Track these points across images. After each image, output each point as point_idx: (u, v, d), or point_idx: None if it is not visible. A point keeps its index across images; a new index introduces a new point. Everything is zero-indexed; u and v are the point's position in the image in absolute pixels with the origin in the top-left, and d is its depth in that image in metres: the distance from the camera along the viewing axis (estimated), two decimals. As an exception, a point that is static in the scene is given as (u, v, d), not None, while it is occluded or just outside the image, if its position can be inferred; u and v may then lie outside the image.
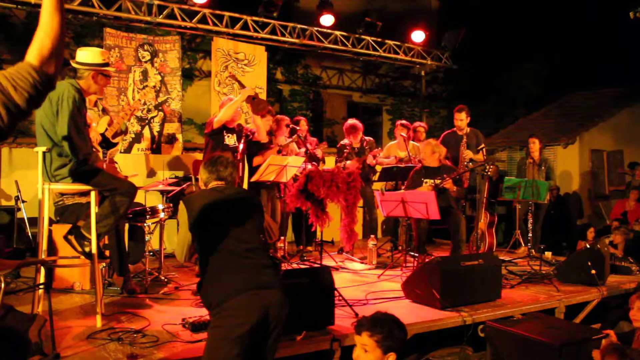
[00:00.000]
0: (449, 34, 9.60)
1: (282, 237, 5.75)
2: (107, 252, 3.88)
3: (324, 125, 11.85)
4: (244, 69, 7.97)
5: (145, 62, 7.24)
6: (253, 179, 5.46)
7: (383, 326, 2.26)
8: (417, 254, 5.53)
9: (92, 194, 3.48)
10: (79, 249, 3.46)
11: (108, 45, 6.91)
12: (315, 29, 8.47)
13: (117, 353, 2.94)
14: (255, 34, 7.95)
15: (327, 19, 8.39)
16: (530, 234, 6.28)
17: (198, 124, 9.67)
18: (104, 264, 4.08)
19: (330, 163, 7.02)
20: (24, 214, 5.98)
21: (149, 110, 7.27)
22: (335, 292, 3.64)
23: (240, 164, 5.35)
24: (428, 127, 7.92)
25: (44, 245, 3.41)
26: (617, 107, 10.96)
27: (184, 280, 4.82)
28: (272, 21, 8.03)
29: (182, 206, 2.67)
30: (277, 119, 6.15)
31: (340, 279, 4.80)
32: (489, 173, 5.86)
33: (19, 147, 6.83)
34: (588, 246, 5.11)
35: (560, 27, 13.01)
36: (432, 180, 5.56)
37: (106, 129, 4.23)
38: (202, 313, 3.42)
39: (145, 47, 7.25)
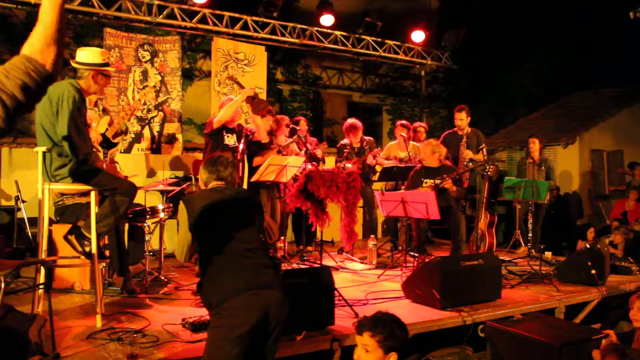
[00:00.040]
0: (449, 34, 9.60)
1: (282, 237, 5.75)
2: (107, 252, 3.88)
3: (324, 125, 11.86)
4: (244, 69, 7.97)
5: (145, 62, 7.24)
6: (253, 179, 5.46)
7: (384, 326, 2.26)
8: (417, 254, 5.53)
9: (92, 194, 3.48)
10: (79, 248, 3.46)
11: (108, 45, 6.91)
12: (315, 29, 8.47)
13: (117, 353, 2.94)
14: (255, 34, 7.95)
15: (327, 19, 8.39)
16: (530, 234, 6.28)
17: (198, 124, 9.67)
18: (104, 264, 4.08)
19: (330, 163, 7.02)
20: (24, 214, 5.98)
21: (149, 110, 7.27)
22: (335, 292, 3.64)
23: (240, 164, 5.35)
24: (428, 127, 7.92)
25: (44, 245, 3.41)
26: (617, 107, 10.96)
27: (184, 280, 4.81)
28: (272, 21, 8.03)
29: (182, 206, 2.67)
30: (277, 119, 6.15)
31: (340, 279, 4.80)
32: (489, 173, 5.86)
33: (19, 147, 6.83)
34: (588, 246, 5.11)
35: (560, 27, 13.01)
36: (432, 181, 5.56)
37: (107, 129, 4.23)
38: (202, 313, 3.42)
39: (145, 47, 7.25)
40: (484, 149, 6.64)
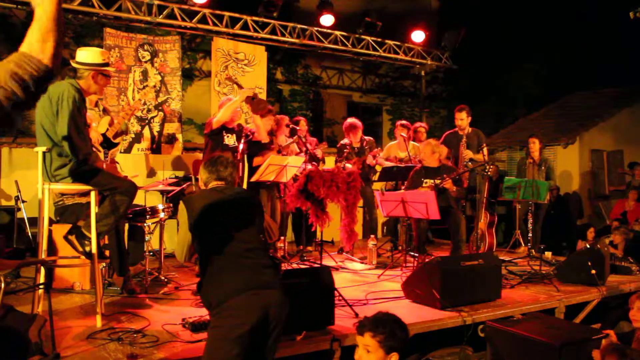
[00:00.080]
0: (449, 34, 9.60)
1: (282, 237, 5.75)
2: (107, 252, 3.88)
3: (324, 125, 11.86)
4: (244, 69, 7.97)
5: (145, 62, 7.24)
6: (253, 179, 5.46)
7: (385, 326, 2.26)
8: (417, 254, 5.53)
9: (92, 193, 3.48)
10: (80, 248, 3.46)
11: (108, 45, 6.91)
12: (315, 29, 8.47)
13: (117, 353, 2.94)
14: (255, 34, 7.95)
15: (327, 19, 8.39)
16: (530, 234, 6.27)
17: (198, 124, 9.67)
18: (104, 264, 4.08)
19: (330, 163, 7.02)
20: (24, 214, 5.98)
21: (149, 110, 7.27)
22: (335, 292, 3.64)
23: (240, 164, 5.35)
24: (428, 127, 7.92)
25: (44, 245, 3.41)
26: (617, 107, 10.96)
27: (184, 280, 4.81)
28: (272, 21, 8.03)
29: (182, 206, 2.67)
30: (277, 119, 6.15)
31: (340, 279, 4.79)
32: (489, 173, 5.86)
33: (19, 147, 6.82)
34: (588, 246, 5.11)
35: (560, 27, 13.01)
36: (432, 181, 5.56)
37: (107, 129, 4.23)
38: (202, 313, 3.41)
39: (145, 47, 7.25)
40: (485, 149, 6.64)
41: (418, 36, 9.28)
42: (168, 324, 3.42)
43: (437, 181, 5.50)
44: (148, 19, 7.16)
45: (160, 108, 7.34)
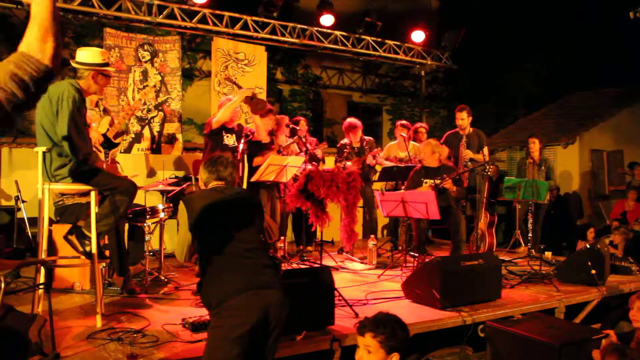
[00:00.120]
0: (449, 34, 9.60)
1: (282, 237, 5.75)
2: (107, 252, 3.88)
3: (324, 125, 11.86)
4: (244, 69, 7.97)
5: (145, 62, 7.24)
6: (253, 179, 5.46)
7: (386, 326, 2.27)
8: (417, 254, 5.53)
9: (92, 193, 3.48)
10: (80, 248, 3.46)
11: (108, 45, 6.91)
12: (315, 29, 8.47)
13: (117, 353, 2.94)
14: (255, 34, 7.95)
15: (327, 19, 8.39)
16: (530, 234, 6.27)
17: (198, 124, 9.67)
18: (104, 264, 4.08)
19: (330, 163, 7.02)
20: (24, 214, 5.98)
21: (149, 110, 7.27)
22: (335, 292, 3.64)
23: (240, 164, 5.36)
24: (428, 127, 7.92)
25: (44, 245, 3.41)
26: (617, 107, 10.96)
27: (184, 280, 4.81)
28: (272, 21, 8.03)
29: (182, 206, 2.67)
30: (277, 118, 6.15)
31: (340, 279, 4.80)
32: (489, 173, 5.86)
33: (19, 147, 6.83)
34: (588, 246, 5.11)
35: (560, 27, 13.01)
36: (432, 181, 5.56)
37: (108, 130, 4.23)
38: (202, 313, 3.41)
39: (145, 47, 7.25)
40: (486, 149, 6.64)
41: (418, 36, 9.28)
42: (168, 324, 3.42)
43: (437, 181, 5.50)
44: (148, 19, 7.16)
45: (160, 108, 7.34)
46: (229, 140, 5.56)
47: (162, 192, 6.11)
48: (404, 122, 7.11)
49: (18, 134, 6.96)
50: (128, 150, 7.07)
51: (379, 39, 9.05)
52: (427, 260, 4.74)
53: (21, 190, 6.09)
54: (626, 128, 10.83)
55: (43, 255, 3.42)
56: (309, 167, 5.68)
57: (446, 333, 3.79)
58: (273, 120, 6.03)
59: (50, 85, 3.38)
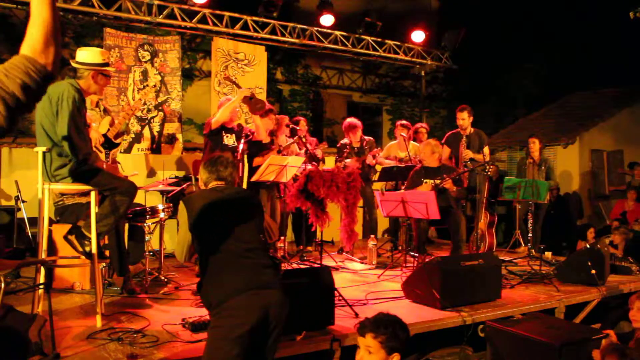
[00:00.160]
0: (449, 34, 9.60)
1: (282, 237, 5.75)
2: (107, 252, 3.88)
3: (324, 125, 11.86)
4: (244, 69, 7.97)
5: (145, 62, 7.24)
6: (253, 179, 5.47)
7: (387, 327, 2.27)
8: (417, 254, 5.53)
9: (92, 194, 3.48)
10: (80, 248, 3.46)
11: (108, 45, 6.91)
12: (315, 29, 8.47)
13: (117, 353, 2.94)
14: (255, 34, 7.95)
15: (327, 19, 8.39)
16: (530, 234, 6.27)
17: (198, 124, 9.67)
18: (104, 264, 4.08)
19: (330, 163, 7.02)
20: (24, 214, 5.98)
21: (149, 110, 7.27)
22: (335, 292, 3.64)
23: (240, 164, 5.36)
24: (429, 127, 7.92)
25: (44, 245, 3.41)
26: (617, 107, 10.96)
27: (184, 280, 4.81)
28: (272, 21, 8.03)
29: (182, 206, 2.67)
30: (277, 118, 6.16)
31: (340, 279, 4.79)
32: (489, 173, 5.86)
33: (19, 147, 6.83)
34: (588, 246, 5.11)
35: (560, 27, 13.01)
36: (431, 181, 5.57)
37: (108, 130, 4.23)
38: (202, 313, 3.41)
39: (145, 47, 7.25)
40: (487, 149, 6.63)
41: (418, 36, 9.28)
42: (168, 324, 3.42)
43: (437, 181, 5.50)
44: (148, 19, 7.16)
45: (160, 108, 7.34)
46: (229, 140, 5.56)
47: (162, 192, 6.11)
48: (404, 122, 7.11)
49: (18, 134, 6.96)
50: (128, 150, 7.07)
51: (379, 39, 9.05)
52: (427, 260, 4.74)
53: (21, 190, 6.10)
54: (626, 128, 10.83)
55: (43, 255, 3.42)
56: (309, 167, 5.68)
57: (446, 333, 3.79)
58: (273, 120, 6.03)
59: (50, 86, 3.37)
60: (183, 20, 7.38)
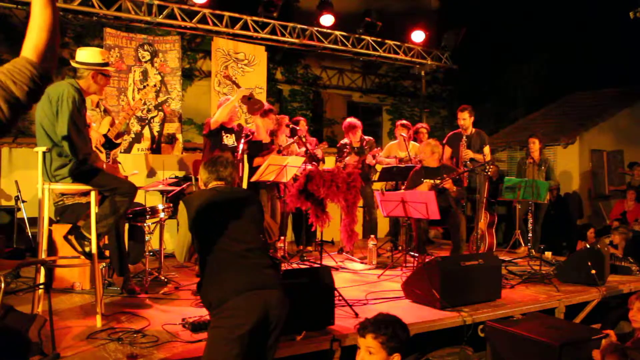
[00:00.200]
0: (449, 34, 9.60)
1: (282, 237, 5.75)
2: (107, 252, 3.88)
3: (324, 125, 11.85)
4: (244, 69, 7.98)
5: (145, 62, 7.24)
6: (253, 179, 5.47)
7: (387, 327, 2.27)
8: (417, 254, 5.53)
9: (92, 194, 3.48)
10: (79, 249, 3.47)
11: (108, 45, 6.91)
12: (315, 29, 8.47)
13: (117, 353, 2.94)
14: (255, 34, 7.95)
15: (327, 19, 8.39)
16: (530, 234, 6.28)
17: (198, 124, 9.67)
18: (104, 264, 4.08)
19: (330, 163, 7.02)
20: (24, 214, 5.98)
21: (149, 110, 7.27)
22: (335, 292, 3.64)
23: (240, 164, 5.36)
24: (429, 127, 7.92)
25: (44, 245, 3.41)
26: (617, 107, 10.95)
27: (184, 280, 4.81)
28: (272, 21, 8.03)
29: (182, 206, 2.67)
30: (277, 119, 6.16)
31: (340, 279, 4.80)
32: (489, 173, 5.86)
33: (19, 147, 6.83)
34: (588, 246, 5.11)
35: (560, 27, 13.01)
36: (431, 180, 5.57)
37: (109, 130, 4.23)
38: (202, 313, 3.42)
39: (145, 47, 7.25)
40: (488, 148, 6.63)
41: (418, 36, 9.27)
42: (168, 324, 3.42)
43: (437, 181, 5.50)
44: (148, 19, 7.16)
45: (160, 108, 7.34)
46: (229, 140, 5.56)
47: (162, 192, 6.11)
48: (404, 122, 7.11)
49: (18, 133, 6.96)
50: (128, 150, 7.07)
51: (379, 39, 9.05)
52: (427, 260, 4.74)
53: (21, 190, 6.10)
54: (626, 128, 10.83)
55: (43, 255, 3.42)
56: (309, 167, 5.68)
57: (446, 333, 3.79)
58: (273, 120, 6.04)
59: (51, 86, 3.39)
60: (183, 20, 7.38)
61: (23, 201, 6.06)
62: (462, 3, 12.32)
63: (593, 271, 4.71)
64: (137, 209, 4.48)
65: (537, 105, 12.71)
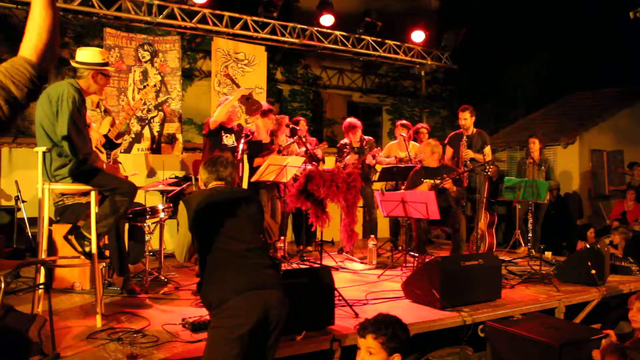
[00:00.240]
0: (449, 34, 9.60)
1: (282, 237, 5.75)
2: (107, 252, 3.88)
3: (324, 125, 11.86)
4: (244, 69, 7.98)
5: (145, 62, 7.24)
6: (253, 179, 5.47)
7: (387, 327, 2.27)
8: (417, 254, 5.53)
9: (92, 194, 3.48)
10: (79, 248, 3.47)
11: (108, 45, 6.91)
12: (315, 29, 8.47)
13: (117, 353, 2.94)
14: (255, 34, 7.96)
15: (327, 19, 8.39)
16: (530, 234, 6.28)
17: (198, 124, 9.67)
18: (104, 264, 4.08)
19: (330, 163, 7.02)
20: (24, 214, 5.98)
21: (149, 110, 7.28)
22: (335, 292, 3.64)
23: (240, 164, 5.36)
24: (430, 127, 7.92)
25: (44, 245, 3.41)
26: (617, 107, 10.95)
27: (184, 280, 4.81)
28: (272, 21, 8.03)
29: (182, 206, 2.67)
30: (277, 118, 6.16)
31: (340, 279, 4.79)
32: (489, 173, 5.86)
33: (19, 147, 6.83)
34: (588, 246, 5.11)
35: (560, 27, 13.01)
36: (431, 181, 5.57)
37: (109, 130, 4.23)
38: (202, 313, 3.42)
39: (145, 47, 7.25)
40: (488, 148, 6.63)
41: (418, 36, 9.28)
42: (168, 324, 3.42)
43: (437, 181, 5.50)
44: (148, 19, 7.16)
45: (160, 108, 7.34)
46: (228, 140, 5.56)
47: (162, 192, 6.11)
48: (404, 122, 7.10)
49: (18, 133, 6.96)
50: (128, 150, 7.07)
51: (379, 39, 9.05)
52: (427, 260, 4.74)
53: (21, 190, 6.10)
54: (626, 128, 10.83)
55: (43, 255, 3.42)
56: (309, 167, 5.68)
57: (446, 333, 3.79)
58: (273, 120, 6.03)
59: (50, 86, 3.40)
60: (183, 20, 7.38)
61: (23, 201, 6.06)
62: (462, 3, 12.32)
63: (593, 271, 4.71)
64: (137, 209, 4.48)
65: (537, 105, 12.71)
